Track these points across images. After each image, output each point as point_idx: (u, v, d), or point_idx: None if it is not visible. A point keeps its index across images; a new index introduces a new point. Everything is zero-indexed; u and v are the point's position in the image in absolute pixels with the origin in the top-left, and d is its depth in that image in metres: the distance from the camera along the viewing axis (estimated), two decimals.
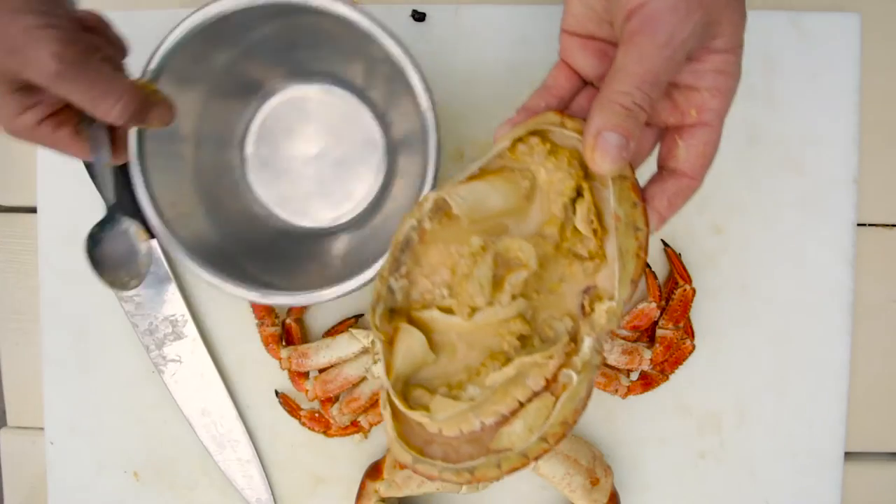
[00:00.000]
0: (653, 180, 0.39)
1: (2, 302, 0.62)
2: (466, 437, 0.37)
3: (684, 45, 0.33)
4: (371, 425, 0.57)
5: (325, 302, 0.48)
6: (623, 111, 0.34)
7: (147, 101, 0.41)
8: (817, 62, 0.58)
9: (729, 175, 0.58)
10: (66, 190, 0.59)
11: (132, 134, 0.48)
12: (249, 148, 0.57)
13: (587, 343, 0.37)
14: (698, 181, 0.38)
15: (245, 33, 0.50)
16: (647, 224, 0.37)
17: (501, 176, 0.39)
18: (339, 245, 0.57)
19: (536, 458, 0.36)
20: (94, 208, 0.58)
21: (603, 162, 0.34)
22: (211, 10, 0.46)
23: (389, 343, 0.39)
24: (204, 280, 0.49)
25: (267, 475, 0.60)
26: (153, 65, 0.47)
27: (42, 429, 0.61)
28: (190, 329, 0.59)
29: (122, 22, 0.59)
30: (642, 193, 0.38)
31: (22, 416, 0.63)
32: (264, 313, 0.57)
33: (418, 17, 0.58)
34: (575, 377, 0.37)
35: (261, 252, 0.55)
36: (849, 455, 0.59)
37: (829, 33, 0.58)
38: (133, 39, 0.59)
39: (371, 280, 0.47)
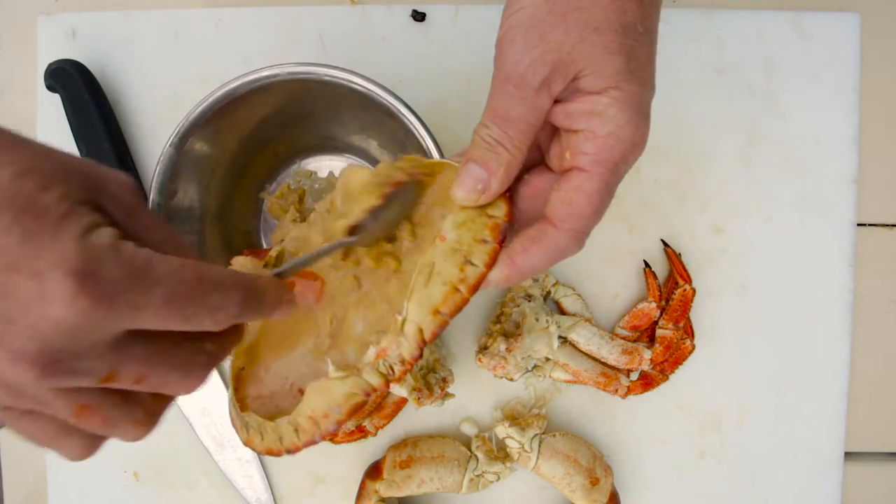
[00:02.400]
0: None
1: None
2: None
3: (525, 81, 0.32)
4: (377, 428, 0.57)
5: None
6: (483, 144, 0.34)
7: (252, 285, 0.31)
8: (817, 62, 0.58)
9: (729, 175, 0.58)
10: None
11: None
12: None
13: (370, 352, 0.34)
14: (561, 231, 0.34)
15: (261, 108, 0.51)
16: (487, 265, 0.34)
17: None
18: None
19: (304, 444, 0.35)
20: None
21: (455, 189, 0.35)
22: (234, 83, 0.47)
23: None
24: None
25: (267, 475, 0.60)
26: (178, 135, 0.48)
27: None
28: None
29: (123, 22, 0.60)
30: (503, 239, 0.35)
31: None
32: None
33: (418, 17, 0.58)
34: (333, 372, 0.35)
35: None
36: (849, 455, 0.59)
37: (829, 33, 0.58)
38: (133, 39, 0.60)
39: None
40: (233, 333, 0.32)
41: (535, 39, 0.32)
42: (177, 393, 0.31)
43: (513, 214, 0.36)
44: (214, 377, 0.59)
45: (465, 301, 0.34)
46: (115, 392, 0.29)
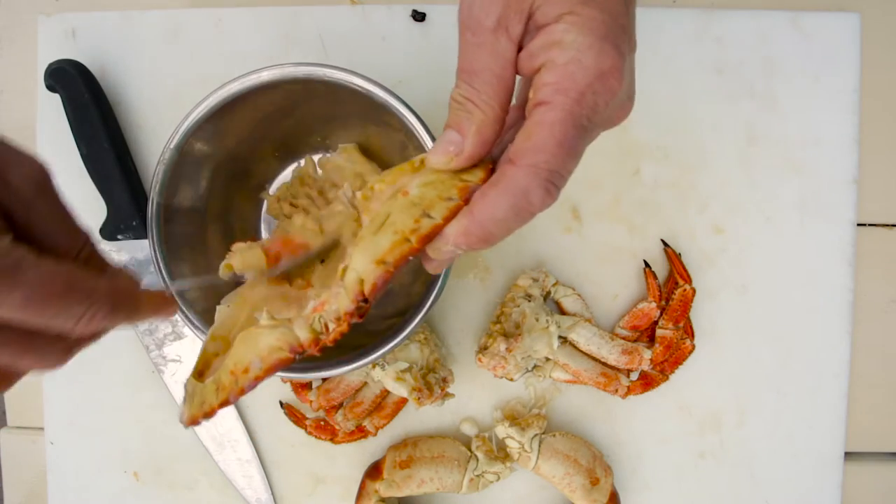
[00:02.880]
0: None
1: None
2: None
3: (480, 25, 0.31)
4: (377, 428, 0.57)
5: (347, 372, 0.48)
6: (455, 105, 0.32)
7: (124, 295, 0.31)
8: (817, 62, 0.58)
9: (729, 175, 0.58)
10: (65, 190, 0.59)
11: (152, 216, 0.47)
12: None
13: (309, 304, 0.32)
14: (520, 168, 0.30)
15: (262, 108, 0.51)
16: (446, 218, 0.31)
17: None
18: None
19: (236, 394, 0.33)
20: (94, 208, 0.58)
21: (429, 154, 0.33)
22: (234, 85, 0.47)
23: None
24: None
25: (267, 475, 0.60)
26: (175, 141, 0.47)
27: (42, 429, 0.61)
28: (189, 329, 0.58)
29: (123, 22, 0.60)
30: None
31: (22, 416, 0.63)
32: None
33: (418, 17, 0.58)
34: (265, 321, 0.33)
35: None
36: (849, 455, 0.59)
37: (829, 33, 0.58)
38: (133, 39, 0.60)
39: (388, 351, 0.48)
40: (102, 331, 0.32)
41: None
42: (32, 371, 0.32)
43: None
44: None
45: (414, 251, 0.31)
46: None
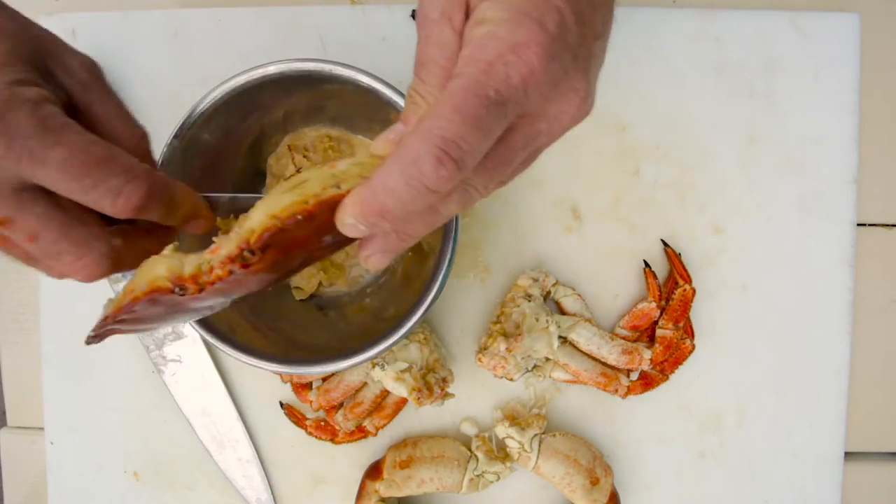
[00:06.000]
0: None
1: (2, 302, 0.62)
2: None
3: (427, 17, 0.31)
4: (377, 428, 0.57)
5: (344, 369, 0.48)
6: (407, 98, 0.32)
7: (162, 184, 0.33)
8: (817, 62, 0.58)
9: (729, 175, 0.58)
10: None
11: None
12: None
13: (210, 246, 0.32)
14: (415, 134, 0.28)
15: (274, 102, 0.51)
16: (349, 191, 0.31)
17: None
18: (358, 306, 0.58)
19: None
20: None
21: (374, 140, 0.33)
22: (238, 81, 0.47)
23: None
24: (229, 355, 0.48)
25: (267, 475, 0.60)
26: (186, 129, 0.47)
27: (42, 429, 0.61)
28: (190, 329, 0.59)
29: (123, 22, 0.60)
30: None
31: (22, 416, 0.63)
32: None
33: None
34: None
35: (285, 317, 0.55)
36: (849, 455, 0.59)
37: (829, 33, 0.58)
38: (133, 39, 0.60)
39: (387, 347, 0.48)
40: (143, 240, 0.34)
41: None
42: (69, 272, 0.32)
43: None
44: (215, 377, 0.59)
45: (308, 212, 0.30)
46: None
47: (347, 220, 0.30)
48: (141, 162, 0.32)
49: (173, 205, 0.34)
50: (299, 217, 0.30)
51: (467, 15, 0.31)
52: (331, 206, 0.31)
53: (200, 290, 0.31)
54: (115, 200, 0.30)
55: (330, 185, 0.31)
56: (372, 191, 0.29)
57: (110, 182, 0.30)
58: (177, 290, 0.31)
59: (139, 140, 0.35)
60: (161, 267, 0.31)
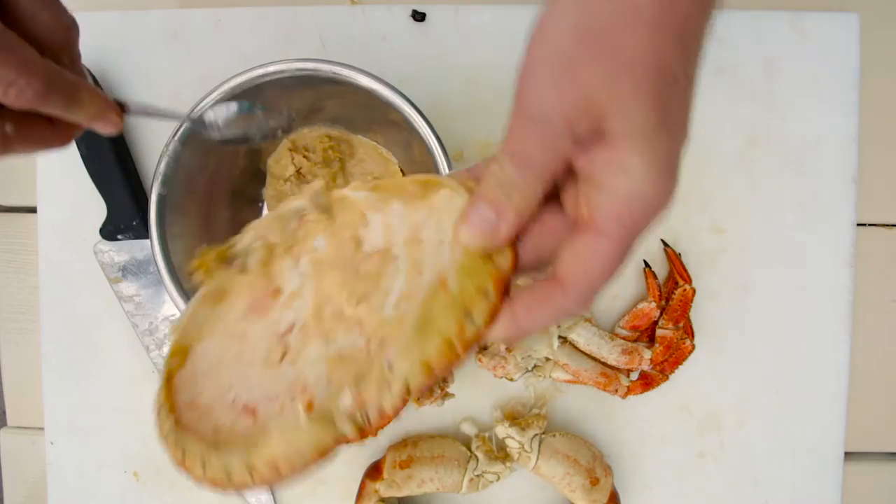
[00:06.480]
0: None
1: (2, 302, 0.62)
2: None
3: (548, 123, 0.29)
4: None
5: None
6: (495, 182, 0.31)
7: (63, 82, 0.31)
8: (817, 62, 0.58)
9: (729, 175, 0.58)
10: (65, 190, 0.59)
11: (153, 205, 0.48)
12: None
13: (346, 398, 0.33)
14: (571, 296, 0.31)
15: (274, 102, 0.50)
16: (486, 323, 0.31)
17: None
18: None
19: None
20: (93, 208, 0.58)
21: (461, 227, 0.32)
22: (238, 81, 0.47)
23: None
24: None
25: None
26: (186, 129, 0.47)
27: (42, 429, 0.61)
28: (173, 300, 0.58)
29: (122, 22, 0.60)
30: (506, 292, 0.32)
31: (22, 416, 0.63)
32: None
33: (418, 17, 0.58)
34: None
35: None
36: (849, 455, 0.59)
37: (829, 33, 0.58)
38: (133, 39, 0.60)
39: None
40: (40, 129, 0.33)
41: (561, 75, 0.29)
42: None
43: (517, 264, 0.33)
44: None
45: (459, 360, 0.31)
46: None
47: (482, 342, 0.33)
48: (62, 54, 0.31)
49: (76, 103, 0.32)
50: (455, 365, 0.31)
51: (592, 126, 0.30)
52: (474, 343, 0.32)
53: (364, 436, 0.32)
54: (5, 91, 0.30)
55: (461, 316, 0.31)
56: (522, 329, 0.32)
57: (2, 72, 0.29)
58: (340, 447, 0.32)
59: (65, 31, 0.33)
60: (313, 437, 0.32)
